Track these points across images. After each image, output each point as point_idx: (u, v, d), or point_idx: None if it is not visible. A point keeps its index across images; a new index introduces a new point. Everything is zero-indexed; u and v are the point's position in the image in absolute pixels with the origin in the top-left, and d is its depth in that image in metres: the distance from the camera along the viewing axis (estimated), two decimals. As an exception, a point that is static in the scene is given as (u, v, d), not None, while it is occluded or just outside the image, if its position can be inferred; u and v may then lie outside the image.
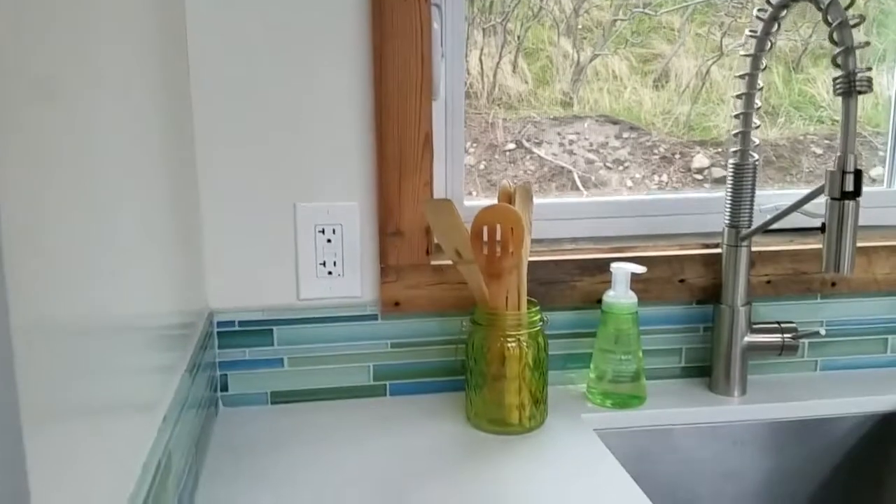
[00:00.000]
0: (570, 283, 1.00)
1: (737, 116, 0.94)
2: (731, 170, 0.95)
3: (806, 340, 1.05)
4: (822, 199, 1.08)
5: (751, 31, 0.89)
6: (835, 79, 0.72)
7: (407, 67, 0.89)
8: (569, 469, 0.82)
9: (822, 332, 0.94)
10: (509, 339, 0.88)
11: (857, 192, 0.74)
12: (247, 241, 0.93)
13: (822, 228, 0.77)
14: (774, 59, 0.93)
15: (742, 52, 0.92)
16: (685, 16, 0.88)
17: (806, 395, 1.01)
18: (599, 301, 0.98)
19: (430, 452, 0.86)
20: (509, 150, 0.90)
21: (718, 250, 1.01)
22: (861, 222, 1.11)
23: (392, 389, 1.00)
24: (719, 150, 0.97)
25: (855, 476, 1.01)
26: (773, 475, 1.00)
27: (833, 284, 1.04)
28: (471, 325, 0.90)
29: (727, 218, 0.97)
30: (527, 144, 0.93)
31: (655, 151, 0.96)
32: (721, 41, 0.93)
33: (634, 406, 0.97)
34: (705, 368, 1.04)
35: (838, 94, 0.72)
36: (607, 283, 0.97)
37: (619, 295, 0.96)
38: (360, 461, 0.83)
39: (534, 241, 1.03)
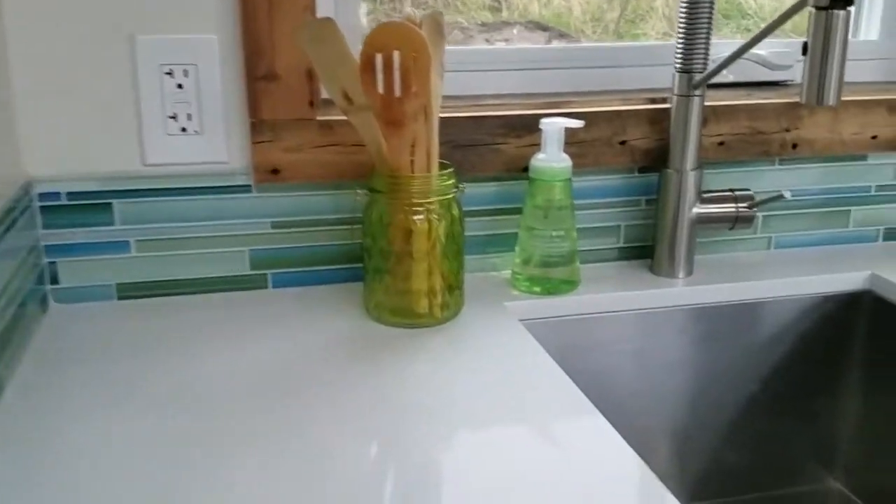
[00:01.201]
0: (493, 146, 0.82)
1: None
2: (684, 2, 0.78)
3: (759, 213, 0.91)
4: (786, 49, 0.94)
5: None
6: None
7: None
8: (488, 364, 0.66)
9: (788, 195, 0.79)
10: (415, 210, 0.70)
11: None
12: (71, 87, 0.71)
13: (804, 49, 0.61)
14: None
15: None
16: None
17: (758, 275, 0.87)
18: (527, 169, 0.81)
19: (323, 352, 0.68)
20: None
21: (667, 105, 0.84)
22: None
23: (275, 280, 0.81)
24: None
25: (813, 360, 0.90)
26: (720, 364, 0.88)
27: (794, 146, 0.90)
28: (367, 193, 0.71)
29: (678, 61, 0.80)
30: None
31: None
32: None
33: (566, 292, 0.82)
34: (647, 249, 0.89)
35: None
36: (537, 147, 0.80)
37: (551, 157, 0.79)
38: (232, 368, 0.66)
39: (450, 98, 0.85)
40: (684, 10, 0.78)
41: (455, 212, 0.73)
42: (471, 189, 0.82)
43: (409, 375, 0.65)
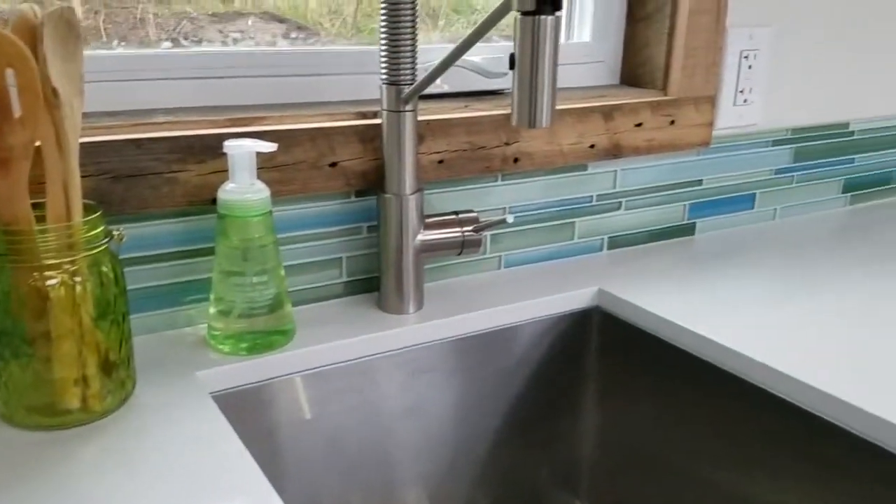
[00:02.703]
0: (169, 175, 0.66)
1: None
2: (384, 3, 0.67)
3: (488, 232, 0.84)
4: (502, 55, 0.88)
5: None
6: None
7: None
8: (159, 472, 0.51)
9: (510, 219, 0.72)
10: (48, 273, 0.52)
11: (556, 2, 0.50)
12: None
13: (511, 62, 0.52)
14: None
15: None
16: None
17: (491, 301, 0.80)
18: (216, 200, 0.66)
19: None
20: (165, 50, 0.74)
21: (378, 120, 0.73)
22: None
23: None
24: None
25: (552, 383, 0.85)
26: (461, 401, 0.80)
27: (516, 160, 0.84)
28: (-25, 256, 0.52)
29: (384, 72, 0.70)
30: (185, 43, 0.76)
31: None
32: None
33: (279, 346, 0.69)
34: (375, 280, 0.79)
35: None
36: (226, 174, 0.65)
37: (243, 188, 0.65)
38: None
39: (107, 115, 0.67)
40: (384, 15, 0.67)
41: (107, 268, 0.56)
42: (146, 229, 0.66)
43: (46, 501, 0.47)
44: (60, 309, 0.52)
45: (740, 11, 0.96)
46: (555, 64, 0.52)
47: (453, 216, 0.77)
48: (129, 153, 0.64)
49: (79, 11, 0.71)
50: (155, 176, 0.65)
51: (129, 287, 0.67)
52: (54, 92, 0.54)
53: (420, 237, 0.74)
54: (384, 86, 0.70)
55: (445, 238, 0.76)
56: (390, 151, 0.72)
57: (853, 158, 1.15)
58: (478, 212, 0.80)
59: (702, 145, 0.98)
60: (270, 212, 0.66)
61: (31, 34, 0.54)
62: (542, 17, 0.50)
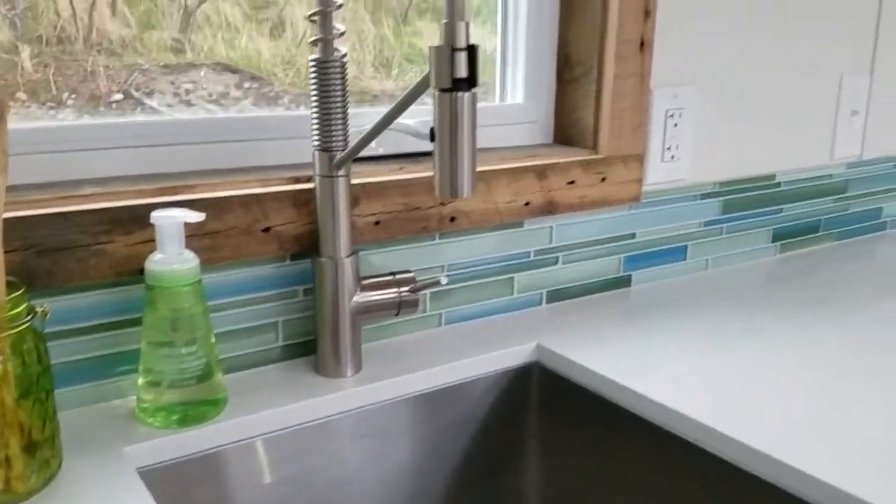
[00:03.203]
0: (96, 248, 0.65)
1: (316, -8, 0.67)
2: (314, 69, 0.69)
3: (426, 292, 0.85)
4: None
5: None
6: None
7: None
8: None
9: (444, 280, 0.73)
10: (-34, 355, 0.51)
11: (472, 78, 0.52)
12: None
13: (432, 136, 0.54)
14: (384, 13, 0.89)
15: None
16: None
17: (431, 360, 0.81)
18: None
19: None
20: (117, 102, 0.75)
21: (312, 185, 0.74)
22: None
23: None
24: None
25: (494, 441, 0.85)
26: (406, 462, 0.79)
27: (452, 219, 0.85)
28: None
29: (316, 138, 0.70)
30: (136, 94, 0.77)
31: (280, 102, 0.84)
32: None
33: (210, 417, 0.67)
34: (313, 344, 0.78)
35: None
36: (154, 243, 0.65)
37: (171, 258, 0.64)
38: None
39: (38, 187, 0.66)
40: (314, 83, 0.69)
41: (31, 346, 0.54)
42: (74, 301, 0.65)
43: None
44: (-23, 390, 0.51)
45: (664, 72, 1.00)
46: (473, 136, 0.53)
47: (390, 277, 0.77)
48: (56, 227, 0.63)
49: (28, 65, 0.71)
50: (82, 248, 0.64)
51: (57, 361, 0.66)
52: (-27, 168, 0.53)
53: (356, 299, 0.75)
54: (316, 152, 0.71)
55: (382, 299, 0.76)
56: (324, 216, 0.72)
57: (781, 209, 1.19)
58: (419, 270, 0.81)
59: (632, 200, 1.01)
60: (200, 280, 0.66)
61: (-49, 111, 0.53)
62: (459, 93, 0.51)
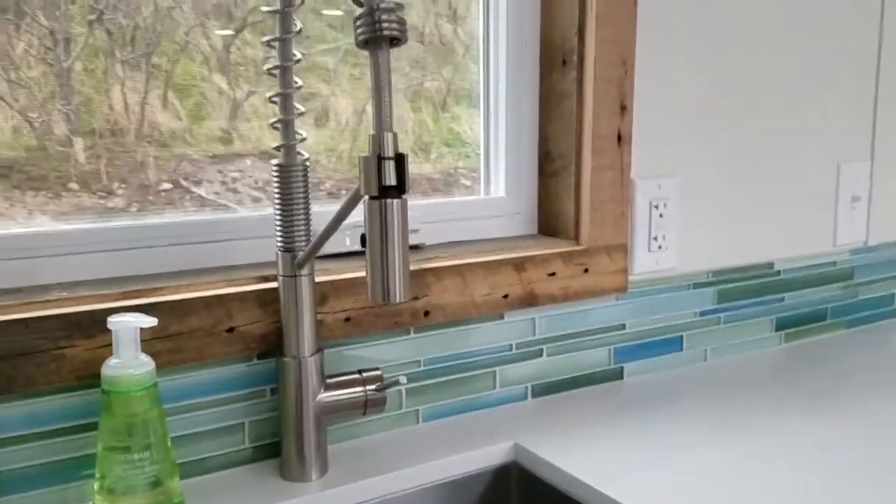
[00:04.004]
0: (56, 352, 0.66)
1: (273, 100, 0.69)
2: (276, 173, 0.70)
3: (395, 389, 0.84)
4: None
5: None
6: (355, 20, 0.50)
7: None
8: None
9: (403, 380, 0.72)
10: None
11: (401, 186, 0.52)
12: None
13: (363, 242, 0.54)
14: (423, 100, 0.95)
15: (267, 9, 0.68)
16: (338, 57, 0.88)
17: (403, 462, 0.79)
18: (106, 374, 0.65)
19: None
20: (165, 191, 0.80)
21: (276, 284, 0.75)
22: (453, 237, 0.97)
23: None
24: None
25: (469, 550, 0.82)
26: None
27: (426, 314, 0.85)
28: None
29: (279, 239, 0.71)
30: (185, 184, 0.81)
31: (322, 188, 0.89)
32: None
33: (166, 523, 0.66)
34: (279, 446, 0.77)
35: (361, 43, 0.50)
36: (115, 347, 0.66)
37: (126, 363, 0.65)
38: None
39: (4, 293, 0.68)
40: (277, 185, 0.70)
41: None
42: (35, 405, 0.66)
43: None
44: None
45: (646, 164, 1.00)
46: (404, 242, 0.54)
47: (357, 375, 0.77)
48: (16, 332, 0.64)
49: (81, 156, 0.75)
50: (42, 353, 0.65)
51: (19, 465, 0.66)
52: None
53: (321, 398, 0.74)
54: (279, 252, 0.72)
55: (347, 398, 0.75)
56: (287, 315, 0.72)
57: (783, 297, 1.17)
58: (395, 365, 0.81)
59: (619, 291, 0.99)
60: (155, 384, 0.66)
61: None
62: (388, 200, 0.52)
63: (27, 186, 0.74)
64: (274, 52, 0.68)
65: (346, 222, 0.81)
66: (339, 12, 0.88)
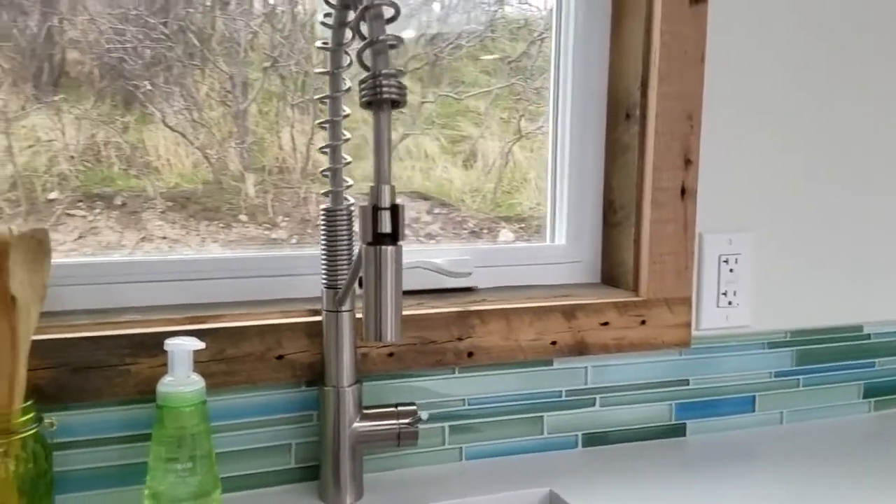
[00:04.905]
0: (121, 368, 0.75)
1: (323, 150, 0.76)
2: (324, 216, 0.77)
3: (446, 424, 0.87)
4: (465, 257, 0.94)
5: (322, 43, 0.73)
6: (360, 83, 0.56)
7: None
8: None
9: (425, 416, 0.76)
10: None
11: (395, 235, 0.57)
12: None
13: (360, 284, 0.59)
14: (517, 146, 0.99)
15: (320, 71, 0.75)
16: (489, 101, 0.93)
17: (435, 495, 0.82)
18: (166, 390, 0.74)
19: None
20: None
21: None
22: (510, 281, 0.99)
23: None
24: (523, 224, 1.03)
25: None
26: None
27: (470, 354, 0.88)
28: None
29: (323, 277, 0.78)
30: None
31: (465, 226, 0.95)
32: (519, 124, 1.00)
33: (204, 530, 0.73)
34: (319, 469, 0.82)
35: (364, 104, 0.55)
36: (176, 366, 0.74)
37: (178, 381, 0.72)
38: None
39: (87, 312, 0.78)
40: (323, 226, 0.77)
41: (31, 451, 0.64)
42: (96, 416, 0.75)
43: None
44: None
45: (715, 218, 0.99)
46: (398, 285, 0.57)
47: (392, 408, 0.81)
48: (88, 349, 0.74)
49: (251, 191, 0.85)
50: (110, 368, 0.74)
51: (83, 466, 0.75)
52: (13, 300, 0.65)
53: (356, 426, 0.79)
54: (324, 289, 0.78)
55: (382, 429, 0.79)
56: (328, 347, 0.78)
57: (873, 363, 1.09)
58: (439, 401, 0.84)
59: (681, 345, 0.97)
60: (204, 402, 0.73)
61: (2, 249, 0.66)
62: (383, 247, 0.56)
63: (201, 216, 0.84)
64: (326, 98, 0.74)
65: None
66: (494, 56, 0.93)
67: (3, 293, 0.64)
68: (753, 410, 1.04)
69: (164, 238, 0.84)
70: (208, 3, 0.82)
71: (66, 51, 0.81)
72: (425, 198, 0.98)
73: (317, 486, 0.82)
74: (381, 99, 0.54)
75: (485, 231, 0.92)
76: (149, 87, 0.81)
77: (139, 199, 0.83)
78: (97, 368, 0.74)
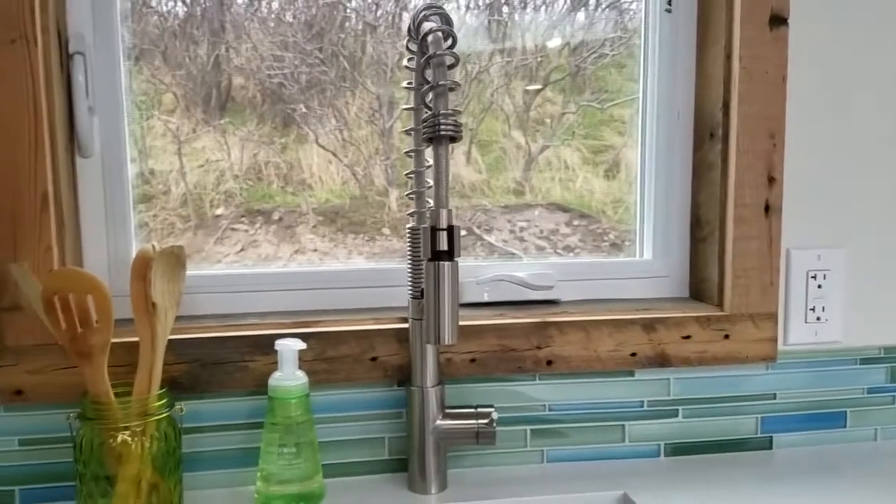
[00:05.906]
0: (241, 364, 0.88)
1: (409, 175, 0.85)
2: (409, 235, 0.86)
3: (528, 427, 0.94)
4: (547, 271, 1.01)
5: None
6: (423, 121, 0.64)
7: (15, 120, 0.79)
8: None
9: (495, 416, 0.83)
10: (121, 433, 0.75)
11: (451, 252, 0.64)
12: None
13: (421, 294, 0.67)
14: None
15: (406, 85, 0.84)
16: (634, 109, 0.93)
17: (513, 491, 0.89)
18: (277, 384, 0.86)
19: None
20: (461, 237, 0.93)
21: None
22: (595, 294, 1.04)
23: (22, 498, 0.85)
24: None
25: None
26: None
27: (549, 363, 0.94)
28: (78, 420, 0.76)
29: (410, 287, 0.87)
30: (477, 231, 0.93)
31: (605, 238, 0.96)
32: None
33: (307, 508, 0.84)
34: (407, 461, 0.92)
35: (425, 140, 0.64)
36: (286, 364, 0.86)
37: (286, 376, 0.84)
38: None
39: (215, 317, 0.92)
40: (409, 246, 0.86)
41: (164, 432, 0.77)
42: (221, 405, 0.87)
43: None
44: (127, 460, 0.74)
45: (804, 235, 0.99)
46: (454, 296, 0.65)
47: (472, 409, 0.89)
48: (215, 347, 0.87)
49: (394, 205, 0.91)
50: (232, 364, 0.87)
51: (208, 448, 0.88)
52: (153, 305, 0.79)
53: (438, 424, 0.87)
54: (410, 299, 0.87)
55: (461, 427, 0.87)
56: (414, 351, 0.87)
57: (984, 381, 1.05)
58: (519, 406, 0.91)
59: (766, 360, 0.99)
60: (307, 395, 0.84)
61: (147, 264, 0.80)
62: (441, 262, 0.64)
63: (348, 230, 0.92)
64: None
65: (482, 277, 0.95)
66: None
67: (146, 300, 0.78)
68: (845, 426, 1.03)
69: (315, 250, 0.93)
70: (360, 28, 0.87)
71: (232, 77, 0.90)
72: (564, 209, 0.99)
73: (406, 477, 0.92)
74: (440, 135, 0.62)
75: (626, 243, 0.90)
76: (304, 109, 0.89)
77: (294, 214, 0.90)
78: (222, 364, 0.87)
